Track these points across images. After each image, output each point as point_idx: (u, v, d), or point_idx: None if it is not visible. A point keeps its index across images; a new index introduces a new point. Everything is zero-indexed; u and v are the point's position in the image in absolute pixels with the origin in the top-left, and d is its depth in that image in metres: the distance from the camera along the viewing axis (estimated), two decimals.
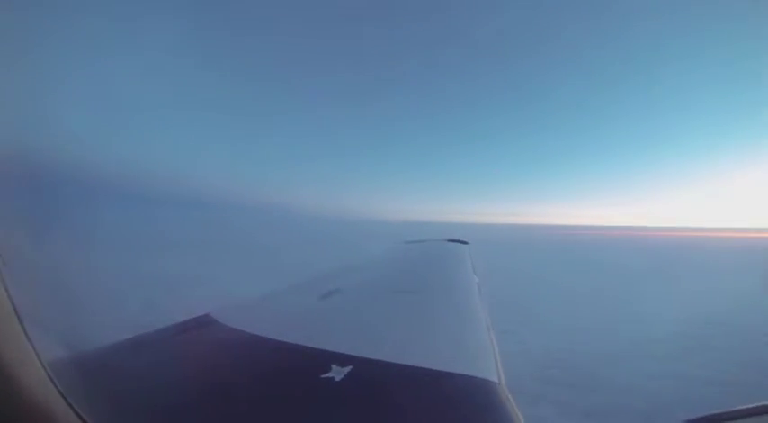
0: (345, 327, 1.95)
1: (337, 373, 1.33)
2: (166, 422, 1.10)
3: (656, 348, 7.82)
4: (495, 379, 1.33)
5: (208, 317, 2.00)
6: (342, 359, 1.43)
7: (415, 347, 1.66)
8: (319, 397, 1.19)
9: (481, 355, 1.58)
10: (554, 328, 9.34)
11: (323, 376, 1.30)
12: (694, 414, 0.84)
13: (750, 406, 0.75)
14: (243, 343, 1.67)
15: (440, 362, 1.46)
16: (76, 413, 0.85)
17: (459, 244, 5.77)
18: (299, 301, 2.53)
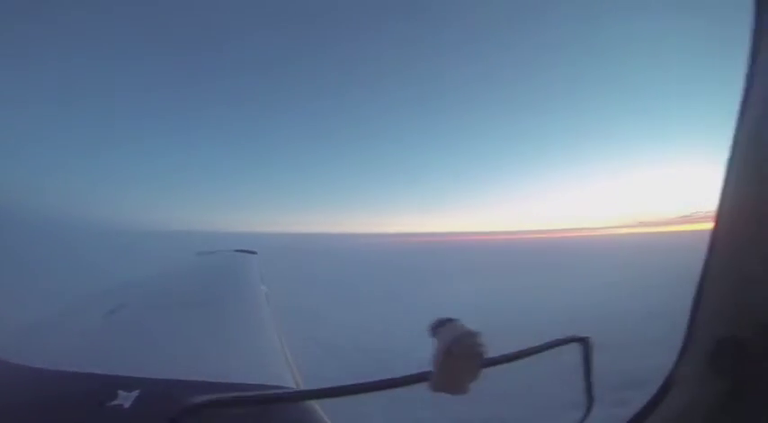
0: (130, 347, 1.76)
1: (125, 399, 1.18)
2: None
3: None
4: (292, 386, 1.30)
5: None
6: (129, 383, 1.26)
7: (207, 362, 1.57)
8: None
9: (274, 363, 1.54)
10: (350, 330, 9.83)
11: (109, 405, 1.15)
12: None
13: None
14: (12, 377, 1.40)
15: (233, 374, 1.39)
16: None
17: (247, 255, 5.52)
18: (77, 323, 2.22)
